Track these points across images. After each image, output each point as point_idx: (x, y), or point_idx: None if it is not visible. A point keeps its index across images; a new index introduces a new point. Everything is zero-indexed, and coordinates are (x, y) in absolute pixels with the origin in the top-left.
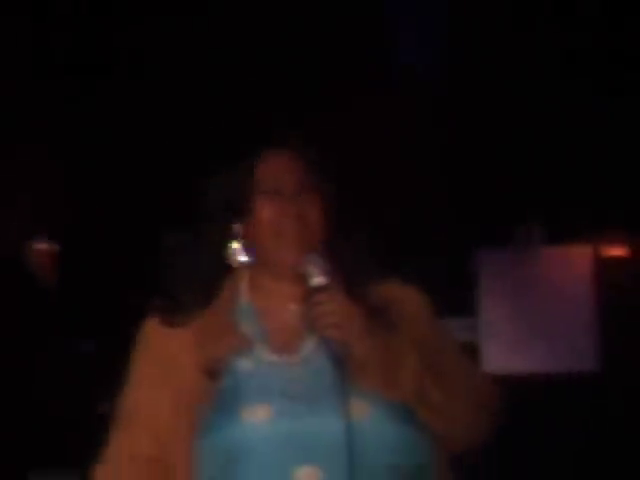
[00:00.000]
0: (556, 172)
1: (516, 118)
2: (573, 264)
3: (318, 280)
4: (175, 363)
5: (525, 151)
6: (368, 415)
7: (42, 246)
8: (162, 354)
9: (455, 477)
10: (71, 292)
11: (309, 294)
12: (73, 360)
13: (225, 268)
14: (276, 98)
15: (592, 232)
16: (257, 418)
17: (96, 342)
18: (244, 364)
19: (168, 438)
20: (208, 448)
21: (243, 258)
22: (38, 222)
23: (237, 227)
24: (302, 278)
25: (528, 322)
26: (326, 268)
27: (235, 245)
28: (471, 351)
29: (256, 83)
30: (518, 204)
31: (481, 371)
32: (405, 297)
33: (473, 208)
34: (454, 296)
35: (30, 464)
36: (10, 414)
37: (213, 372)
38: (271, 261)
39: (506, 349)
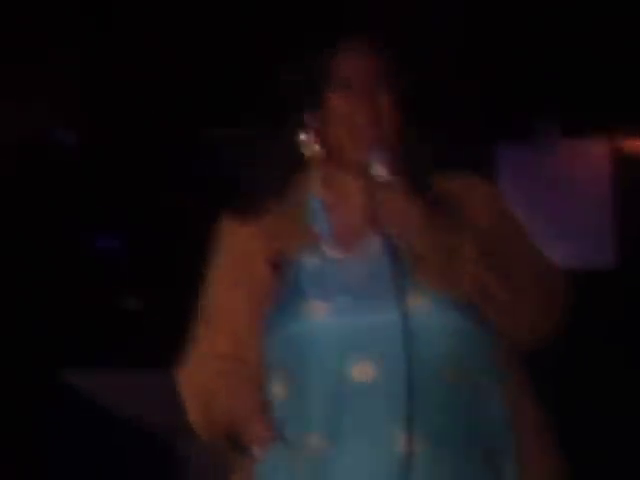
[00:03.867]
0: (575, 66)
1: (534, 10)
2: (592, 158)
3: (382, 176)
4: (249, 259)
5: (544, 44)
6: (427, 309)
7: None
8: (237, 251)
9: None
10: (94, 185)
11: (373, 189)
12: (97, 256)
13: (297, 160)
14: None
15: (611, 126)
16: (318, 315)
17: (121, 238)
18: (309, 260)
19: (245, 335)
20: (273, 343)
21: (314, 149)
22: (58, 110)
23: (308, 117)
24: (367, 173)
25: (546, 217)
26: (392, 163)
27: (305, 136)
28: None
29: None
30: (536, 98)
31: (552, 264)
32: (472, 188)
33: (491, 103)
34: None
35: (58, 362)
36: (33, 310)
37: (278, 265)
38: (342, 155)
39: None
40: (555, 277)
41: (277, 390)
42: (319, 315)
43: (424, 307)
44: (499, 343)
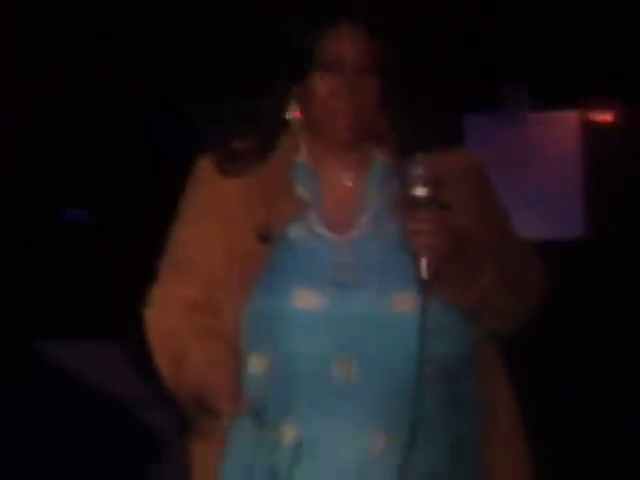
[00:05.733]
0: (543, 36)
1: None
2: (560, 129)
3: (420, 190)
4: (230, 217)
5: (513, 16)
6: (413, 306)
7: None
8: (217, 204)
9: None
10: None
11: (408, 202)
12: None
13: (284, 122)
14: None
15: (580, 97)
16: (303, 302)
17: (90, 212)
18: (298, 236)
19: (218, 290)
20: (253, 314)
21: (298, 120)
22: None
23: (296, 90)
24: (405, 184)
25: (515, 187)
26: (430, 176)
27: (291, 107)
28: None
29: None
30: (504, 69)
31: (536, 257)
32: (458, 165)
33: (458, 71)
34: None
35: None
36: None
37: (266, 236)
38: (324, 134)
39: None
40: (534, 262)
41: (255, 367)
42: (304, 303)
43: (411, 304)
44: (480, 334)
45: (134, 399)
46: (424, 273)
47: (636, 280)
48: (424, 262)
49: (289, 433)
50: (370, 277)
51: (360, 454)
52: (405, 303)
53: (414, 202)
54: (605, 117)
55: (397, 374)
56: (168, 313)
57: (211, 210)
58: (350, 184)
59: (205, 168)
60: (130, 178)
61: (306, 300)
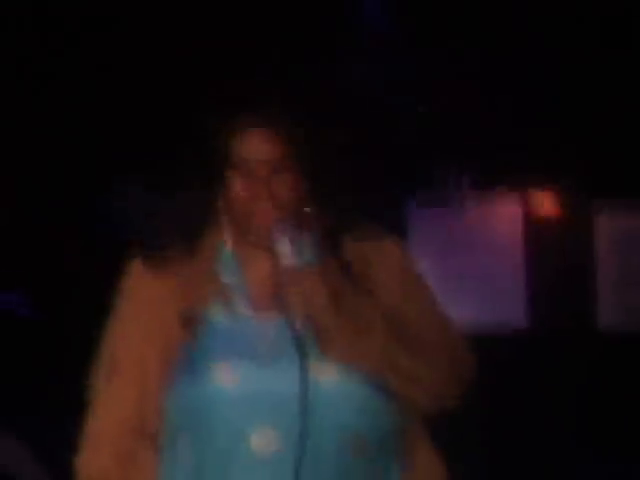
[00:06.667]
0: (486, 122)
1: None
2: (503, 221)
3: (287, 259)
4: (160, 310)
5: (450, 102)
6: (332, 380)
7: None
8: (146, 300)
9: (432, 440)
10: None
11: (279, 271)
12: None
13: (210, 217)
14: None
15: (522, 188)
16: (222, 379)
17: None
18: (220, 316)
19: (153, 390)
20: (175, 401)
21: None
22: None
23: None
24: (272, 254)
25: (458, 279)
26: (297, 244)
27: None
28: None
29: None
30: (447, 158)
31: (457, 332)
32: (381, 252)
33: (401, 164)
34: None
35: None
36: None
37: (188, 321)
38: (246, 235)
39: None
40: (460, 346)
41: (183, 453)
42: (224, 380)
43: (329, 380)
44: (402, 413)
45: None
46: (296, 329)
47: (573, 372)
48: (296, 319)
49: None
50: (291, 356)
51: None
52: (326, 382)
53: (283, 270)
54: (547, 202)
55: (317, 451)
56: (96, 461)
57: (140, 308)
58: (270, 276)
59: (134, 270)
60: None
61: (224, 376)
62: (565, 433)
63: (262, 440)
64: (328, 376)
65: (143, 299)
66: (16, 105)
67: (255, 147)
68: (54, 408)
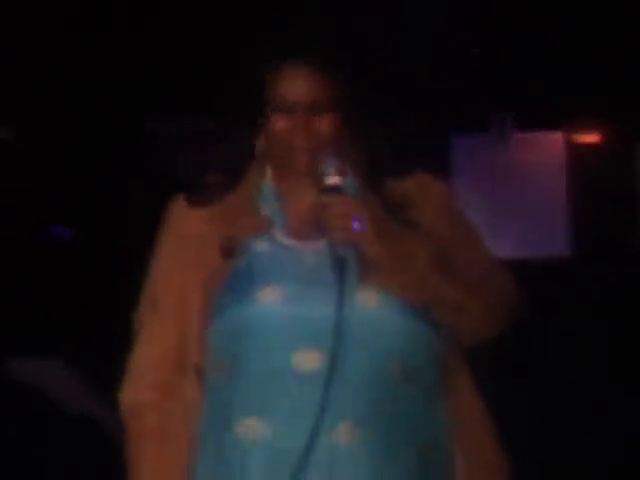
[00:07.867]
0: (529, 59)
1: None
2: (545, 150)
3: (331, 180)
4: (200, 244)
5: (498, 39)
6: (372, 306)
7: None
8: (187, 236)
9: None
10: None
11: (322, 194)
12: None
13: (251, 154)
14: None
15: (565, 119)
16: (266, 300)
17: (73, 230)
18: (261, 245)
19: (194, 323)
20: (220, 327)
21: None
22: None
23: (259, 125)
24: (317, 178)
25: (501, 208)
26: (341, 168)
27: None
28: None
29: None
30: (491, 91)
31: (500, 265)
32: (425, 189)
33: (447, 94)
34: None
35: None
36: None
37: (228, 251)
38: (286, 169)
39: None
40: (504, 277)
41: (217, 376)
42: (270, 301)
43: (369, 306)
44: (448, 342)
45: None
46: (337, 253)
47: (619, 299)
48: (338, 243)
49: (250, 426)
50: (332, 278)
51: (320, 445)
52: (370, 307)
53: (326, 192)
54: (590, 138)
55: (361, 373)
56: (137, 391)
57: (181, 244)
58: (312, 203)
59: (175, 206)
60: (113, 198)
61: (270, 298)
62: (607, 360)
63: (305, 360)
64: (368, 302)
65: (184, 234)
66: (79, 44)
67: (297, 87)
68: (103, 339)
